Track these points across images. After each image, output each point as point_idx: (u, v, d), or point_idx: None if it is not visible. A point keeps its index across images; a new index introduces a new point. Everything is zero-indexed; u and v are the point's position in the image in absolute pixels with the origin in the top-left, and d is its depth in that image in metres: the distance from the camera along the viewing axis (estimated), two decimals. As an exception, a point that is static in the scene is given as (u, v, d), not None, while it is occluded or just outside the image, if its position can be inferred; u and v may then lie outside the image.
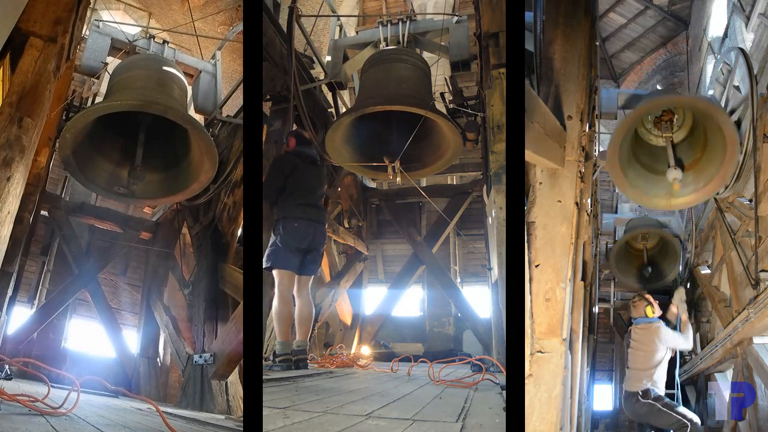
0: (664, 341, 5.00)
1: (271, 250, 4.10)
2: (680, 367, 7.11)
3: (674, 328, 5.40)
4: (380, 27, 5.77)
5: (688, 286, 7.45)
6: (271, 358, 4.04)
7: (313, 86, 5.94)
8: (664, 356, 5.02)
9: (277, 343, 4.06)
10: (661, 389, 5.04)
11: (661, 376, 5.02)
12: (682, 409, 5.00)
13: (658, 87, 7.84)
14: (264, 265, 4.11)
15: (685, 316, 5.30)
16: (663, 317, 5.37)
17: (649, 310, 5.19)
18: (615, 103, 4.50)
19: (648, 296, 5.33)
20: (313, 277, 4.35)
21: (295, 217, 4.10)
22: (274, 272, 4.08)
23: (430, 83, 5.46)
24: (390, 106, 4.83)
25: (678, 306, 5.39)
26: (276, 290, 4.06)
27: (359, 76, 6.61)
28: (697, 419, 4.94)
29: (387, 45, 5.69)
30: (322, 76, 6.18)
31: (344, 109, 7.40)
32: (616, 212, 8.73)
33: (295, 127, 5.83)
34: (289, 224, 4.08)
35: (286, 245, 4.07)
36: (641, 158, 4.26)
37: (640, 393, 4.95)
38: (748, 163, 4.48)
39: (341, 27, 6.30)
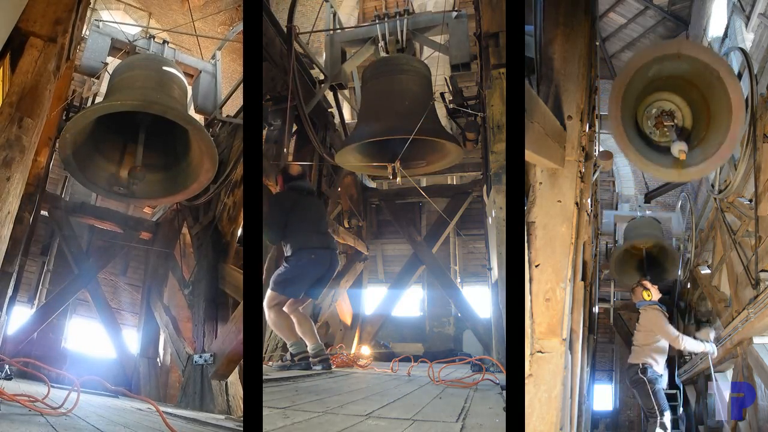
0: (656, 326, 5.49)
1: (284, 277, 4.08)
2: (680, 367, 7.12)
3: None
4: (377, 21, 5.71)
5: (689, 286, 7.46)
6: (289, 358, 4.07)
7: (317, 99, 5.93)
8: (659, 337, 5.51)
9: (290, 346, 4.10)
10: (658, 367, 5.52)
11: (658, 352, 5.51)
12: (667, 411, 5.50)
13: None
14: (271, 286, 4.12)
15: (707, 338, 5.64)
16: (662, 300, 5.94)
17: (645, 294, 5.75)
18: None
19: (645, 282, 5.92)
20: (310, 300, 4.43)
21: (312, 247, 4.10)
22: (272, 292, 4.09)
23: (431, 90, 5.41)
24: (393, 136, 4.89)
25: (705, 337, 5.72)
26: (267, 307, 4.09)
27: (359, 76, 6.60)
28: (668, 421, 5.47)
29: (386, 43, 5.64)
30: (321, 76, 6.17)
31: (345, 109, 7.41)
32: (616, 209, 8.69)
33: (295, 127, 5.84)
34: (305, 255, 4.07)
35: (302, 276, 4.09)
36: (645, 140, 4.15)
37: (641, 367, 5.47)
38: (748, 163, 4.48)
39: (335, 14, 6.26)
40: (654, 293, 5.78)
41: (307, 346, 4.12)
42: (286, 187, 4.38)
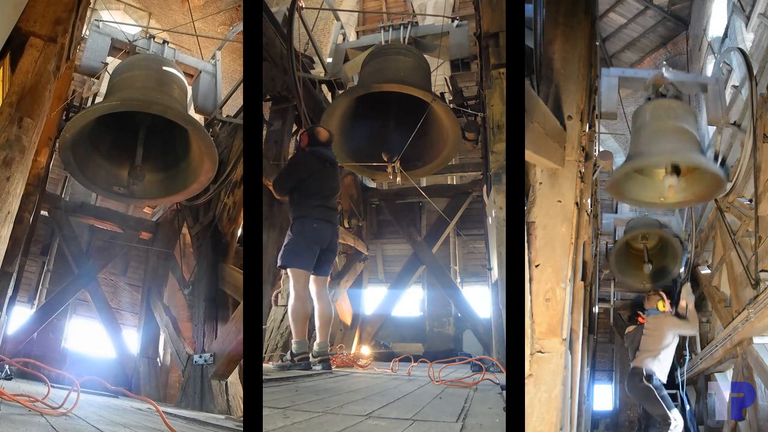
0: (674, 328, 5.59)
1: (288, 248, 4.04)
2: (681, 367, 7.12)
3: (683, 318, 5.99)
4: (382, 31, 5.85)
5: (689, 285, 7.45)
6: (289, 357, 4.00)
7: (312, 77, 5.96)
8: (671, 342, 5.58)
9: (294, 343, 4.02)
10: (662, 375, 5.52)
11: (665, 359, 5.53)
12: (674, 410, 5.43)
13: (664, 63, 7.77)
14: (278, 263, 4.08)
15: (692, 306, 5.75)
16: (676, 314, 5.95)
17: (660, 304, 5.81)
18: (616, 86, 4.65)
19: (662, 293, 5.95)
20: (328, 278, 4.33)
21: (315, 218, 4.07)
22: (290, 271, 4.04)
23: (429, 76, 5.48)
24: (390, 85, 4.86)
25: (686, 299, 5.82)
26: (292, 289, 4.01)
27: (359, 76, 6.63)
28: (680, 423, 5.37)
29: (389, 48, 5.77)
30: (322, 75, 6.20)
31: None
32: (616, 212, 8.72)
33: (295, 127, 5.84)
34: (308, 224, 4.04)
35: (305, 245, 4.02)
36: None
37: (645, 374, 5.42)
38: (748, 163, 4.49)
39: (344, 35, 6.36)
40: (667, 306, 5.82)
41: (308, 348, 4.08)
42: (309, 151, 4.24)
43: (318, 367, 3.98)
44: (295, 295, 4.00)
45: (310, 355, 4.10)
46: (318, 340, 4.09)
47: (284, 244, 4.10)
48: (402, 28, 5.77)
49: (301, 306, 4.01)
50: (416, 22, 6.03)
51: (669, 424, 5.31)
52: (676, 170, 4.10)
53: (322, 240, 4.10)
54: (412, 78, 5.08)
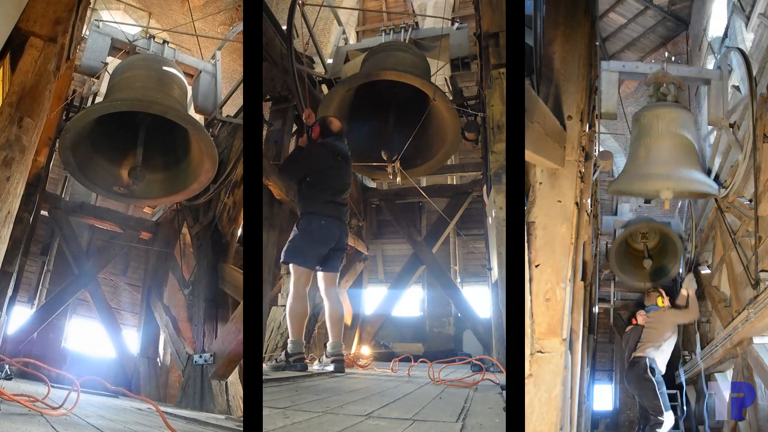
0: (674, 320, 6.09)
1: (292, 244, 3.93)
2: (681, 367, 7.12)
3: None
4: (383, 34, 5.89)
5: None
6: (284, 357, 3.87)
7: (313, 74, 5.96)
8: (672, 335, 6.02)
9: (289, 342, 3.91)
10: (662, 365, 5.93)
11: (666, 350, 5.96)
12: (669, 411, 5.81)
13: (667, 57, 7.79)
14: (282, 258, 3.98)
15: (693, 293, 6.17)
16: (673, 305, 6.41)
17: (659, 300, 6.24)
18: (616, 82, 4.79)
19: (660, 289, 6.43)
20: (338, 274, 4.22)
21: (323, 214, 3.93)
22: (291, 267, 3.94)
23: (429, 72, 5.50)
24: (390, 73, 4.85)
25: (688, 287, 6.25)
26: (292, 287, 3.91)
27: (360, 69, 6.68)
28: (670, 422, 5.78)
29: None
30: (322, 74, 6.21)
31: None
32: (615, 214, 8.74)
33: (295, 127, 5.84)
34: (315, 222, 3.91)
35: (310, 242, 3.91)
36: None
37: (649, 366, 5.77)
38: (748, 163, 4.49)
39: (346, 40, 6.41)
40: (666, 302, 6.24)
41: (303, 348, 3.99)
42: (321, 143, 4.09)
43: (330, 368, 3.89)
44: (294, 293, 3.90)
45: (324, 355, 4.03)
46: (331, 340, 4.00)
47: (289, 239, 3.98)
48: (402, 31, 5.82)
49: (299, 305, 3.91)
50: (417, 24, 6.05)
51: (660, 422, 5.66)
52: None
53: (329, 239, 3.97)
54: (413, 71, 5.09)
